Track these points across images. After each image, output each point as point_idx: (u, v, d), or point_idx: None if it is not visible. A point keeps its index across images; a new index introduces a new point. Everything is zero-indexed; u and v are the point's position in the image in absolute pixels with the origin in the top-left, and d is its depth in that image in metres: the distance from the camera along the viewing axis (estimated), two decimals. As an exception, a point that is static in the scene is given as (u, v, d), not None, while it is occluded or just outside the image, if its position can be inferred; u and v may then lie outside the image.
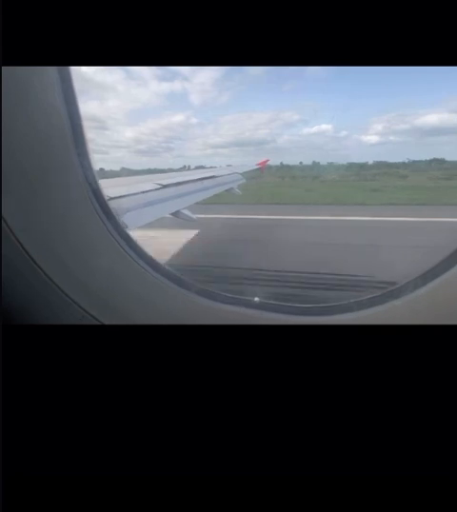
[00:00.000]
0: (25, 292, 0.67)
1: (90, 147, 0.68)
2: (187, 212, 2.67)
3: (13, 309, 0.66)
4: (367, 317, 0.72)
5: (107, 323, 0.72)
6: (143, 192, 2.26)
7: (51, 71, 0.60)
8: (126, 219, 1.52)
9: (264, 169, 8.04)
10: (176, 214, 2.57)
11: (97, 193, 0.70)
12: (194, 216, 2.77)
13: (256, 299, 0.81)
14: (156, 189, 2.57)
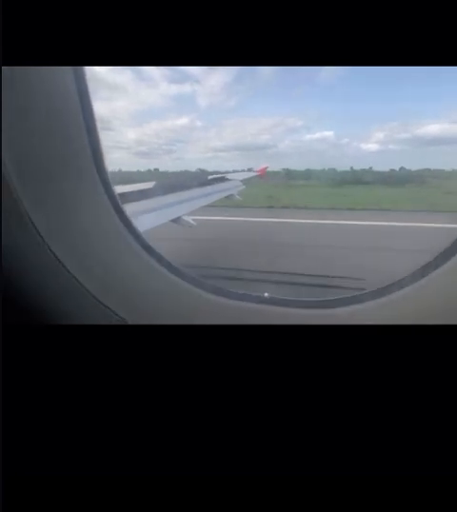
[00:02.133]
0: (51, 291, 0.69)
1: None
2: (187, 219, 2.69)
3: (39, 308, 0.68)
4: (369, 309, 0.73)
5: (128, 320, 0.74)
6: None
7: (68, 72, 0.60)
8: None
9: (264, 176, 8.07)
10: (177, 221, 2.59)
11: (114, 201, 0.73)
12: (195, 222, 2.79)
13: (266, 294, 0.82)
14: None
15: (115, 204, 0.73)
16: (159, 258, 0.80)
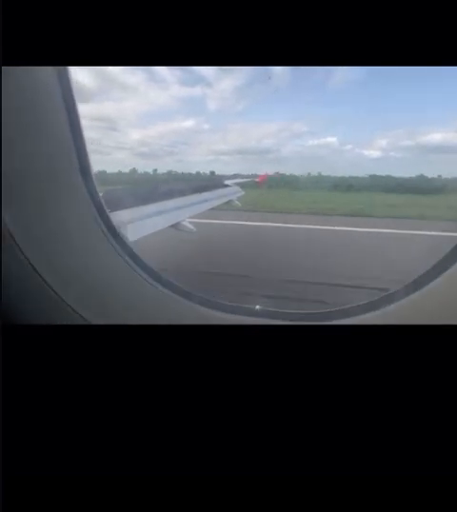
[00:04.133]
0: (17, 291, 0.67)
1: (94, 147, 0.68)
2: (186, 224, 2.70)
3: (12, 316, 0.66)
4: (364, 321, 0.74)
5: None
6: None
7: (52, 79, 0.60)
8: (126, 231, 1.54)
9: (261, 183, 8.11)
10: (176, 226, 2.59)
11: (97, 203, 0.71)
12: (194, 228, 2.80)
13: (257, 307, 0.81)
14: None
15: (98, 207, 0.72)
16: (144, 267, 0.79)
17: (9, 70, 0.54)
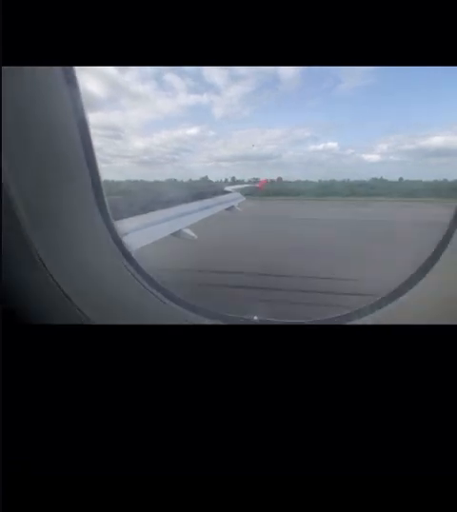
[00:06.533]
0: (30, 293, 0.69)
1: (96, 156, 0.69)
2: (188, 231, 2.69)
3: (18, 311, 0.68)
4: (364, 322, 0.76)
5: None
6: None
7: (64, 85, 0.60)
8: (128, 239, 1.52)
9: (263, 188, 8.18)
10: (177, 234, 2.58)
11: (105, 214, 0.73)
12: (195, 235, 2.78)
13: (255, 317, 0.84)
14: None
15: (104, 214, 0.73)
16: (154, 283, 0.82)
17: (8, 70, 0.54)
